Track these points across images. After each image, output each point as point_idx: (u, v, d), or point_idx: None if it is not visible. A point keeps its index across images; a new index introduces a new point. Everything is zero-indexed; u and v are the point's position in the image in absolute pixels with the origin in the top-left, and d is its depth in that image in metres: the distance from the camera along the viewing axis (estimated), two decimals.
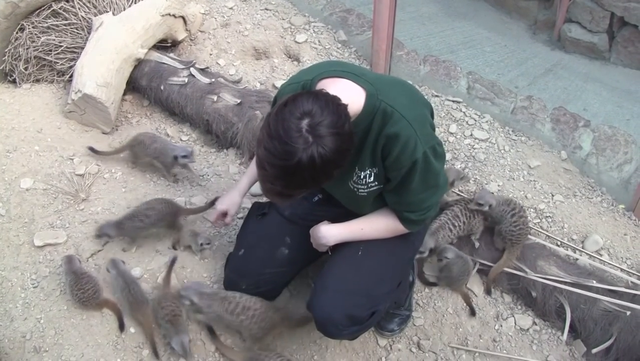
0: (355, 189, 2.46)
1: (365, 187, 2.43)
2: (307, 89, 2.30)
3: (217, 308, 2.82)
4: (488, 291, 3.23)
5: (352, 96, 2.18)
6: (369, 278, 2.57)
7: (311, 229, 2.68)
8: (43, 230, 3.34)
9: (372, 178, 2.40)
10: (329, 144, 1.91)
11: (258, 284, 2.93)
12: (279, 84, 4.28)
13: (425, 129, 2.27)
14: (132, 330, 2.94)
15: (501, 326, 3.10)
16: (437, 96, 4.33)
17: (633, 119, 5.56)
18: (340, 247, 2.66)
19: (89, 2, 4.53)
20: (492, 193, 3.31)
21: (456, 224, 3.19)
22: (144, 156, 3.74)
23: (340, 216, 2.65)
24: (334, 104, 1.97)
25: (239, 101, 4.06)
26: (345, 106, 2.02)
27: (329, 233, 2.61)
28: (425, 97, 2.51)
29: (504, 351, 2.99)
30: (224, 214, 3.01)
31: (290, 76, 2.61)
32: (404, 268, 2.83)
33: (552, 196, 3.57)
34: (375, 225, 2.57)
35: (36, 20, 4.45)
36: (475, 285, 3.26)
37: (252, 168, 2.94)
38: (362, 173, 2.40)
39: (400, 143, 2.21)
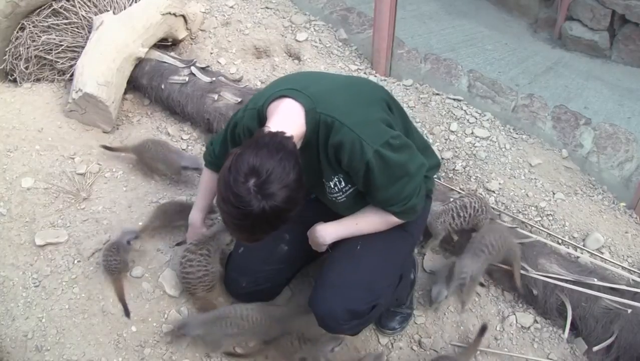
0: (334, 198, 2.51)
1: (341, 193, 2.47)
2: (260, 115, 2.39)
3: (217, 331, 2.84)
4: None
5: (294, 118, 2.26)
6: (368, 272, 2.57)
7: (308, 231, 2.70)
8: (44, 229, 3.34)
9: (342, 184, 2.44)
10: (278, 199, 2.01)
11: (258, 282, 2.94)
12: None
13: (371, 128, 2.26)
14: (133, 328, 2.94)
15: (502, 324, 3.10)
16: (437, 94, 4.32)
17: (634, 117, 5.56)
18: (339, 243, 2.67)
19: (90, 1, 4.54)
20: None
21: (461, 214, 3.17)
22: (151, 161, 3.71)
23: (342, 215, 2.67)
24: (277, 150, 2.03)
25: (239, 99, 4.06)
26: (289, 143, 2.09)
27: (325, 231, 2.63)
28: (380, 89, 2.50)
29: (505, 349, 2.99)
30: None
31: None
32: (403, 260, 2.84)
33: (553, 194, 3.57)
34: (369, 219, 2.58)
35: (37, 20, 4.46)
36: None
37: (202, 185, 3.05)
38: (331, 183, 2.44)
39: (347, 150, 2.24)
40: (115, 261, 3.05)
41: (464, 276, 2.96)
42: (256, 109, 2.43)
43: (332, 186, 2.45)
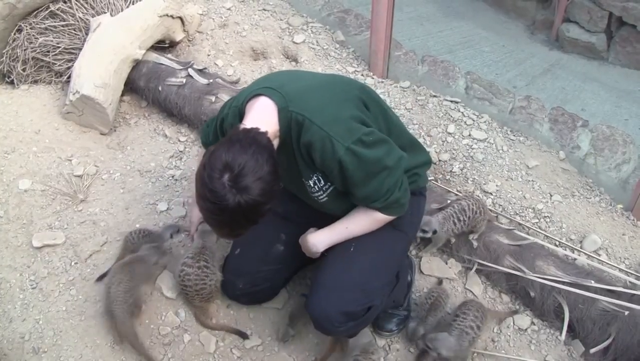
0: (316, 198, 2.53)
1: (322, 192, 2.49)
2: (241, 113, 2.42)
3: None
4: None
5: (268, 116, 2.30)
6: (362, 273, 2.58)
7: (300, 239, 2.72)
8: (41, 231, 3.34)
9: (322, 182, 2.45)
10: (254, 192, 2.05)
11: (255, 283, 2.95)
12: None
13: (341, 126, 2.28)
14: None
15: (499, 326, 3.10)
16: (435, 96, 4.33)
17: (631, 119, 5.57)
18: (333, 246, 2.68)
19: (87, 3, 4.53)
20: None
21: (461, 218, 3.17)
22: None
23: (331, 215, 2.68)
24: (250, 145, 2.08)
25: None
26: (264, 138, 2.14)
27: (317, 239, 2.65)
28: (358, 87, 2.50)
29: (502, 351, 2.99)
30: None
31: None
32: (399, 260, 2.86)
33: (551, 196, 3.57)
34: (358, 221, 2.58)
35: (34, 22, 4.45)
36: (474, 286, 3.26)
37: None
38: (311, 182, 2.46)
39: (318, 148, 2.27)
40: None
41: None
42: (237, 107, 2.47)
43: (312, 185, 2.47)
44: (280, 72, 2.91)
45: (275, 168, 2.10)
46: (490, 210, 3.46)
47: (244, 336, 2.97)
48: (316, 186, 2.46)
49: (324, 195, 2.49)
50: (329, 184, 2.44)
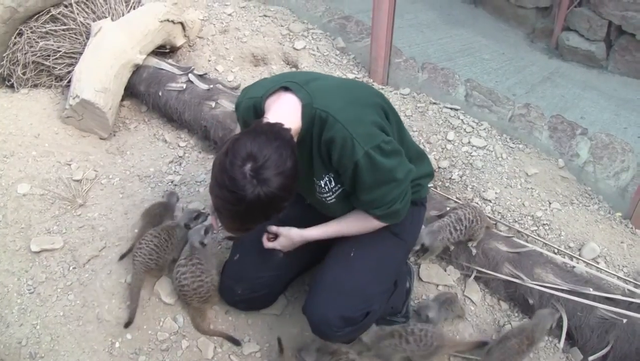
0: (323, 198, 2.52)
1: (331, 193, 2.48)
2: (257, 107, 2.40)
3: None
4: None
5: (292, 112, 2.28)
6: (361, 278, 2.58)
7: (285, 231, 2.73)
8: (40, 235, 3.34)
9: (333, 183, 2.45)
10: (274, 185, 2.02)
11: (254, 289, 2.94)
12: None
13: (364, 129, 2.27)
14: (128, 335, 2.93)
15: (498, 333, 3.09)
16: (435, 103, 4.33)
17: (630, 128, 5.58)
18: (332, 250, 2.69)
19: (88, 7, 4.55)
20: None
21: (458, 228, 3.17)
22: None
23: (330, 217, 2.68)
24: (275, 138, 2.06)
25: None
26: (287, 134, 2.12)
27: (305, 230, 2.68)
28: (379, 95, 2.51)
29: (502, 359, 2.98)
30: None
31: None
32: (398, 266, 2.85)
33: (550, 203, 3.57)
34: (352, 222, 2.60)
35: (34, 26, 4.46)
36: (473, 293, 3.26)
37: None
38: (322, 182, 2.46)
39: (338, 146, 2.25)
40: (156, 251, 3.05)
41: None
42: (253, 99, 2.44)
43: (323, 185, 2.46)
44: (301, 72, 2.89)
45: (296, 165, 2.09)
46: (489, 217, 3.46)
47: (236, 343, 2.96)
48: (327, 187, 2.46)
49: (333, 197, 2.49)
50: (339, 185, 2.44)
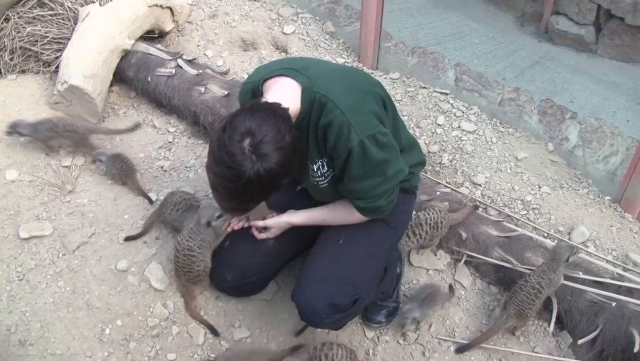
0: (316, 182, 2.52)
1: (323, 178, 2.48)
2: (255, 91, 2.40)
3: None
4: None
5: (291, 94, 2.27)
6: (350, 266, 2.58)
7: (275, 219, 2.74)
8: (29, 222, 3.33)
9: (325, 168, 2.44)
10: (273, 160, 2.02)
11: (244, 275, 2.94)
12: None
13: (362, 117, 2.27)
14: (118, 322, 2.93)
15: (488, 317, 3.11)
16: (425, 87, 4.33)
17: (619, 111, 5.60)
18: (321, 237, 2.70)
19: None
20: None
21: (416, 232, 3.14)
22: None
23: (322, 203, 2.69)
24: (274, 115, 2.06)
25: (226, 92, 4.04)
26: (285, 113, 2.12)
27: (292, 214, 2.71)
28: (378, 85, 2.51)
29: (491, 343, 3.00)
30: None
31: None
32: (387, 254, 2.85)
33: (539, 187, 3.58)
34: (336, 211, 2.62)
35: (22, 11, 4.42)
36: (463, 277, 3.27)
37: None
38: (315, 166, 2.45)
39: (334, 132, 2.25)
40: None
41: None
42: (250, 84, 2.45)
43: (315, 169, 2.46)
44: (300, 57, 2.88)
45: (294, 141, 2.09)
46: (479, 202, 3.46)
47: (215, 333, 2.96)
48: (319, 171, 2.45)
49: (325, 181, 2.48)
50: (330, 170, 2.44)
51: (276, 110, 2.09)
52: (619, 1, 6.51)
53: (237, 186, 2.04)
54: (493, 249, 3.23)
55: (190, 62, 4.35)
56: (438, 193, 3.41)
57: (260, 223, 2.74)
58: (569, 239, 3.31)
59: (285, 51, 4.74)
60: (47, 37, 4.39)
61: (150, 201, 3.53)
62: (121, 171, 3.58)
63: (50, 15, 4.44)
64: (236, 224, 2.85)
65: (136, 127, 4.01)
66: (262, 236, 2.78)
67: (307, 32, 4.90)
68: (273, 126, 2.02)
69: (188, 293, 3.01)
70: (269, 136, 2.00)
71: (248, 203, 2.21)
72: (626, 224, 3.44)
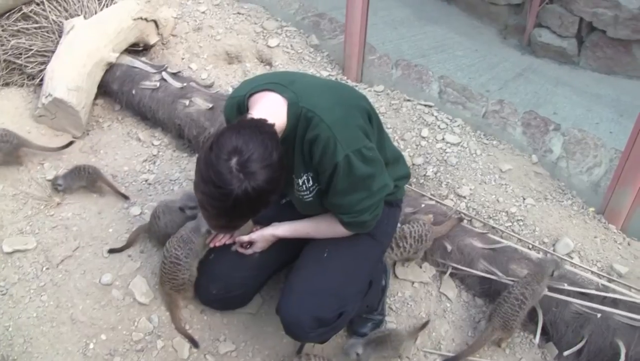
0: (301, 196, 2.52)
1: (308, 192, 2.48)
2: (240, 105, 2.41)
3: None
4: None
5: (276, 110, 2.27)
6: (335, 279, 2.58)
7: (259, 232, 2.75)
8: (12, 236, 3.30)
9: (311, 182, 2.44)
10: (260, 178, 2.01)
11: (228, 288, 2.93)
12: None
13: (347, 132, 2.28)
14: (103, 336, 2.91)
15: (474, 329, 3.11)
16: (409, 100, 4.34)
17: (602, 123, 5.64)
18: (305, 250, 2.70)
19: (60, 5, 4.51)
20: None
21: (400, 245, 3.14)
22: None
23: (307, 217, 2.69)
24: (260, 132, 2.05)
25: (211, 105, 4.04)
26: (271, 129, 2.11)
27: (276, 226, 2.72)
28: (363, 98, 2.52)
29: (477, 355, 3.00)
30: None
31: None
32: (372, 267, 2.85)
33: (524, 199, 3.60)
34: (320, 224, 2.63)
35: (6, 24, 4.41)
36: (449, 289, 3.27)
37: None
38: (300, 180, 2.45)
39: (320, 146, 2.25)
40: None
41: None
42: (236, 98, 2.45)
43: (301, 183, 2.46)
44: (285, 72, 2.89)
45: (282, 158, 2.08)
46: (464, 214, 3.47)
47: (195, 345, 2.94)
48: (304, 185, 2.45)
49: (310, 195, 2.48)
50: (316, 184, 2.44)
51: (262, 127, 2.08)
52: (600, 14, 6.58)
53: (225, 204, 2.03)
54: (478, 261, 3.23)
55: (174, 75, 4.35)
56: (423, 205, 3.41)
57: (245, 238, 2.74)
58: (554, 250, 3.32)
59: (270, 64, 4.75)
60: (32, 50, 4.38)
61: (126, 198, 3.62)
62: (88, 179, 3.58)
63: (35, 28, 4.43)
64: (219, 240, 2.85)
65: (69, 144, 3.93)
66: (249, 251, 2.78)
67: (291, 45, 4.91)
68: (260, 143, 2.02)
69: (172, 302, 2.99)
70: (256, 154, 1.99)
71: (237, 220, 2.21)
72: (610, 235, 3.45)
